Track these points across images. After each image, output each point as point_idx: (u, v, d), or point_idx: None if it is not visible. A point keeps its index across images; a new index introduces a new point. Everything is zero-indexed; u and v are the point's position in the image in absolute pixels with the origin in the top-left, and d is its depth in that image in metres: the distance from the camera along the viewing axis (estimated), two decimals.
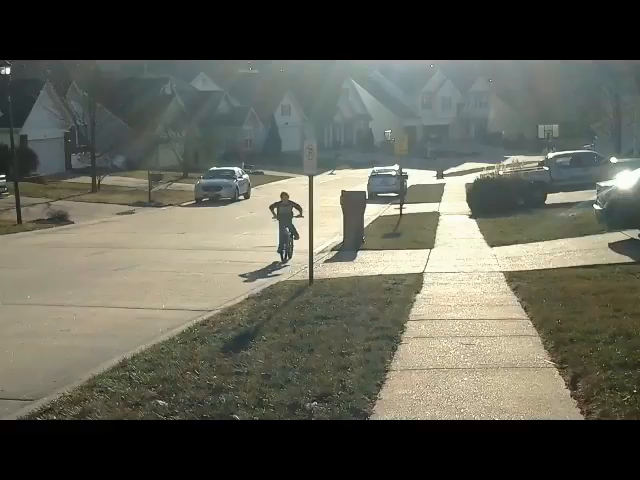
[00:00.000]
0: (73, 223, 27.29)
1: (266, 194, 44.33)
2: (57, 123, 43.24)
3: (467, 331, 9.43)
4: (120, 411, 6.55)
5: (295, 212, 17.81)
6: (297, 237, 17.63)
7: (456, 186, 40.83)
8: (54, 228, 25.93)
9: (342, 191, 19.57)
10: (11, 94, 27.84)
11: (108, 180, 41.87)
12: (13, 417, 6.59)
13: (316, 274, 13.87)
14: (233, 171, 40.79)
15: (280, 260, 17.13)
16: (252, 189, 42.60)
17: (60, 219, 27.17)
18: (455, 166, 61.07)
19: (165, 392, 7.13)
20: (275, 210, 17.82)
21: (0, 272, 16.15)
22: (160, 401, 6.83)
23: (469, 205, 27.32)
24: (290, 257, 17.37)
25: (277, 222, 17.86)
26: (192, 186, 40.77)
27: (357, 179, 43.44)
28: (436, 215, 26.69)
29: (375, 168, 41.61)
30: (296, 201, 17.99)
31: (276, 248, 17.28)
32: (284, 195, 17.93)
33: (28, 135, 41.06)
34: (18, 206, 26.28)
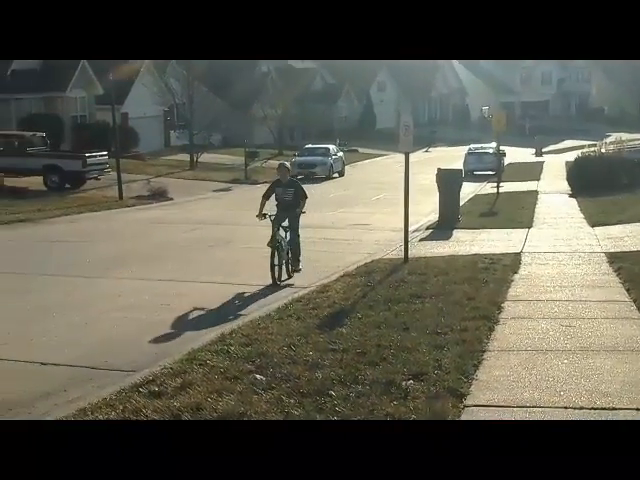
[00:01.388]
0: (172, 200, 27.85)
1: (361, 172, 44.34)
2: (156, 101, 44.16)
3: (567, 313, 9.21)
4: (219, 384, 6.68)
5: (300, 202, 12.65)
6: (294, 247, 12.58)
7: (556, 164, 39.91)
8: (154, 204, 26.53)
9: (438, 169, 19.35)
10: (112, 73, 28.55)
11: (205, 157, 42.55)
12: (117, 388, 6.81)
13: (411, 252, 13.79)
14: (328, 148, 40.86)
15: (272, 281, 11.84)
16: (347, 167, 42.61)
17: (159, 196, 27.78)
18: (555, 144, 59.58)
19: (262, 367, 7.23)
20: (267, 197, 12.59)
21: (102, 246, 16.66)
22: (258, 375, 6.93)
23: (569, 184, 26.65)
24: (294, 271, 12.58)
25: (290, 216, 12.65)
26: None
27: (453, 157, 42.88)
28: (535, 194, 26.13)
29: (472, 145, 41.00)
30: (304, 186, 13.13)
31: (270, 259, 11.96)
32: (283, 169, 12.65)
33: (129, 113, 42.06)
34: (119, 183, 26.98)
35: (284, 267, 12.31)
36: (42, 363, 7.86)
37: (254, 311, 9.95)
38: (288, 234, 12.53)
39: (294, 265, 12.55)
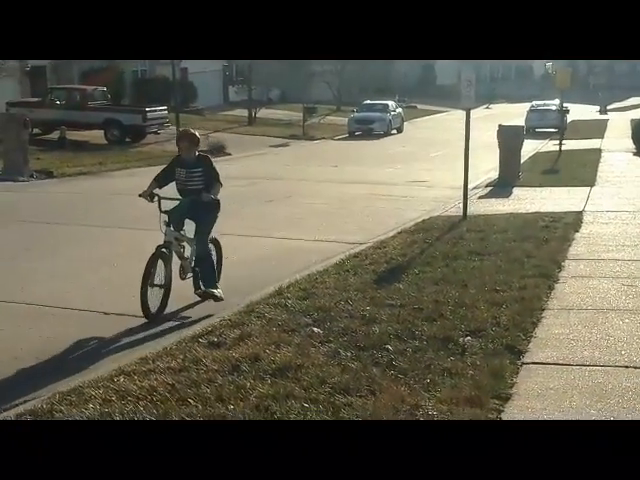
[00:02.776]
0: (230, 155, 27.96)
1: (420, 128, 43.90)
2: None
3: (629, 272, 9.04)
4: (277, 336, 6.74)
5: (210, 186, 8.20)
6: (204, 265, 8.28)
7: (620, 122, 38.94)
8: (212, 159, 26.67)
9: (499, 125, 19.03)
10: None
11: (263, 113, 42.56)
12: (177, 338, 6.93)
13: (470, 210, 13.66)
14: (386, 105, 40.55)
15: (143, 311, 7.61)
16: (405, 123, 42.26)
17: (218, 151, 27.87)
18: (620, 101, 58.14)
19: (320, 320, 7.27)
20: (161, 182, 8.44)
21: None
22: (315, 328, 6.98)
23: (634, 142, 25.97)
24: (205, 294, 8.25)
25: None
26: (345, 120, 40.86)
27: (515, 113, 42.15)
28: (598, 152, 25.57)
29: (534, 102, 40.27)
30: (214, 160, 8.88)
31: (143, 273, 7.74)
32: (187, 140, 8.28)
33: (189, 68, 42.20)
34: None
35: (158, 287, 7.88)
36: (105, 313, 8.02)
37: (311, 265, 9.98)
38: (192, 244, 8.35)
39: (206, 284, 8.23)
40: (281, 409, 5.17)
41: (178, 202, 8.33)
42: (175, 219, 8.19)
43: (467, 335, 6.74)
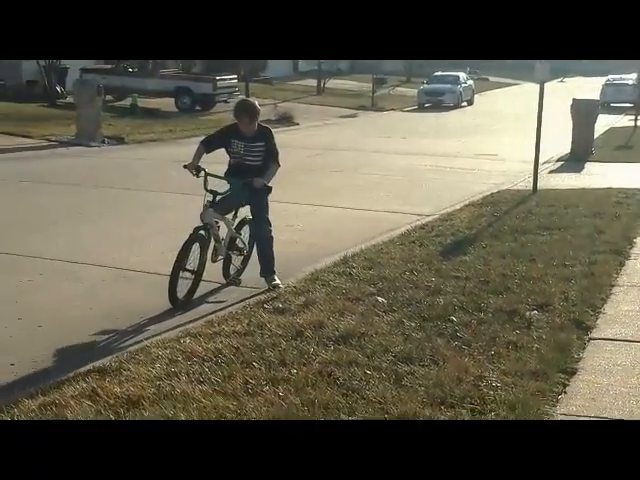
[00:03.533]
0: (298, 125, 27.98)
1: (491, 101, 43.21)
2: None
3: None
4: (341, 304, 6.76)
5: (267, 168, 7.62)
6: (261, 245, 7.65)
7: None
8: (280, 129, 26.71)
9: (573, 99, 18.61)
10: None
11: (332, 83, 42.40)
12: (243, 303, 7.01)
13: (540, 184, 13.43)
14: (457, 77, 40.04)
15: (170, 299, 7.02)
16: (476, 96, 41.66)
17: (286, 120, 27.94)
18: None
19: (384, 290, 7.26)
20: (211, 148, 7.84)
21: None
22: (379, 298, 6.98)
23: None
24: (232, 281, 7.79)
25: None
26: (415, 91, 40.47)
27: (589, 87, 41.13)
28: None
29: (610, 76, 39.23)
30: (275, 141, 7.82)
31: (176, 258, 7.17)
32: (246, 112, 7.53)
33: None
34: None
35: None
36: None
37: (377, 236, 9.96)
38: (247, 226, 7.98)
39: (266, 272, 7.63)
40: (344, 375, 5.20)
41: (229, 186, 7.74)
42: (224, 207, 7.57)
43: (534, 309, 6.66)
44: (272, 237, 7.63)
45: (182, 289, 7.13)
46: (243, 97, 7.50)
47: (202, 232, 7.32)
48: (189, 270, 7.21)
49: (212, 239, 7.46)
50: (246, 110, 7.53)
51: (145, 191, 13.45)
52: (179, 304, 7.04)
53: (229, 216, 7.72)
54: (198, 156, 7.67)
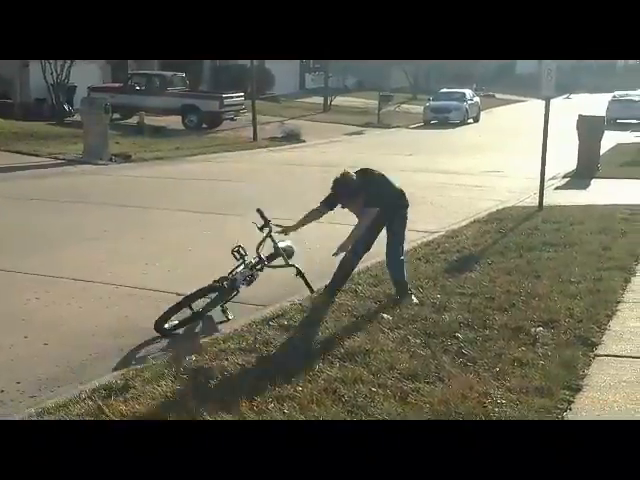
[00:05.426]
0: (304, 142, 28.07)
1: (497, 118, 43.28)
2: None
3: None
4: (347, 321, 6.78)
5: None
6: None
7: None
8: (286, 146, 26.84)
9: (579, 115, 18.64)
10: None
11: (339, 100, 42.54)
12: (248, 320, 7.02)
13: (546, 200, 13.44)
14: (464, 93, 40.14)
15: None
16: (482, 112, 41.71)
17: (293, 137, 28.04)
18: None
19: (389, 307, 7.28)
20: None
21: (238, 186, 17.01)
22: (385, 315, 6.99)
23: None
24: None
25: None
26: (421, 108, 40.58)
27: (595, 104, 41.18)
28: None
29: (616, 93, 39.26)
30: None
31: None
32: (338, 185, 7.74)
33: None
34: (254, 124, 27.40)
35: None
36: (177, 294, 8.15)
37: (382, 254, 9.95)
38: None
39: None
40: (349, 392, 5.21)
41: None
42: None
43: (539, 326, 6.66)
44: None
45: (173, 321, 6.99)
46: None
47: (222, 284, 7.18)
48: (192, 310, 7.08)
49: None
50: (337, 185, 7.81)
51: (153, 209, 13.50)
52: (163, 332, 6.84)
53: None
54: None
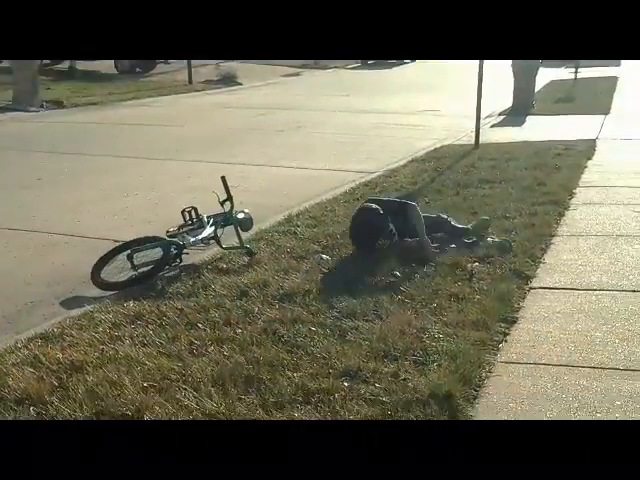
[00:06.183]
0: (241, 84, 27.68)
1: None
2: None
3: None
4: (286, 263, 6.77)
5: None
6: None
7: None
8: (223, 89, 26.44)
9: None
10: None
11: None
12: (186, 264, 6.96)
13: (482, 138, 13.52)
14: None
15: None
16: None
17: (229, 80, 27.62)
18: None
19: (328, 247, 7.29)
20: None
21: (171, 130, 16.76)
22: (324, 255, 7.00)
23: None
24: None
25: None
26: None
27: None
28: (614, 80, 25.16)
29: None
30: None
31: None
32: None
33: None
34: (189, 67, 26.89)
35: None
36: (115, 240, 8.05)
37: (321, 194, 9.96)
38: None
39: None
40: (288, 332, 5.23)
41: None
42: None
43: (475, 261, 6.75)
44: None
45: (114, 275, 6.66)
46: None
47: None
48: (133, 264, 6.70)
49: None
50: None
51: (87, 155, 13.23)
52: (99, 285, 6.50)
53: None
54: None
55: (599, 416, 4.05)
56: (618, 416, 4.04)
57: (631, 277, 6.28)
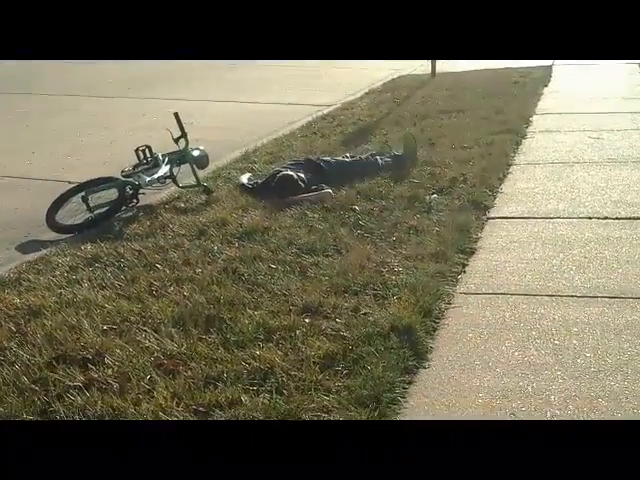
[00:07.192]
0: None
1: None
2: None
3: (596, 125, 9.03)
4: (244, 200, 6.72)
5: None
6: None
7: None
8: None
9: None
10: None
11: None
12: (143, 203, 6.86)
13: (439, 67, 13.45)
14: None
15: None
16: None
17: None
18: None
19: None
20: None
21: (121, 67, 16.36)
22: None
23: None
24: None
25: None
26: None
27: None
28: None
29: None
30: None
31: None
32: None
33: None
34: None
35: None
36: (69, 182, 7.90)
37: (278, 129, 9.86)
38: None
39: None
40: (248, 271, 5.20)
41: None
42: None
43: (433, 193, 6.75)
44: None
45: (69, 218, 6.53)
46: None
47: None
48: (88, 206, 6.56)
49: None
50: None
51: (35, 95, 12.93)
52: (54, 227, 6.42)
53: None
54: None
55: (557, 343, 4.10)
56: (576, 343, 4.10)
57: (587, 204, 6.33)
